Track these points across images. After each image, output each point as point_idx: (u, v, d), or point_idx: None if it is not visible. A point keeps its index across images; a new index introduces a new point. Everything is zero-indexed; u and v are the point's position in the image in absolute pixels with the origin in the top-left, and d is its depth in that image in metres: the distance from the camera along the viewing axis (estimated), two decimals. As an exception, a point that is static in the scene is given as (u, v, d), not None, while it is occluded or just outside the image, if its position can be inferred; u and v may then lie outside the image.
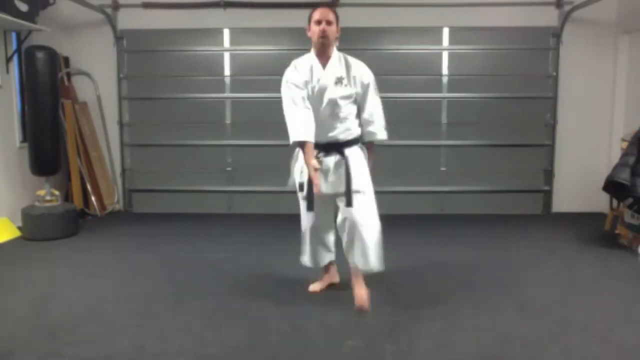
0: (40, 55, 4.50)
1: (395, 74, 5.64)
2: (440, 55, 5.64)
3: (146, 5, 5.64)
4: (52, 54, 4.60)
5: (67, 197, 5.47)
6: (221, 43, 5.71)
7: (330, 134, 2.98)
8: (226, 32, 5.70)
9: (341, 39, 5.73)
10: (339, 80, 2.97)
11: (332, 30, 2.98)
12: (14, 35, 4.95)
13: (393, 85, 5.65)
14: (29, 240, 4.54)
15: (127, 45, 5.77)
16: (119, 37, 5.71)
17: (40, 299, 3.13)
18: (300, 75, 2.98)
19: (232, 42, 5.71)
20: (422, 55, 5.66)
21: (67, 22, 5.66)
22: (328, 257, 3.27)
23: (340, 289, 3.28)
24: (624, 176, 4.05)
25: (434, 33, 5.63)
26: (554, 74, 5.61)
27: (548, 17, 5.55)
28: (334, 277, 3.37)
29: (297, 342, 2.55)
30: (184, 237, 4.72)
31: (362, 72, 3.02)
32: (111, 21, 5.64)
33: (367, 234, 2.89)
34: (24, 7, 4.59)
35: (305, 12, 5.44)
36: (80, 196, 5.51)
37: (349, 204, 2.91)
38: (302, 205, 3.11)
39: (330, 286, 3.32)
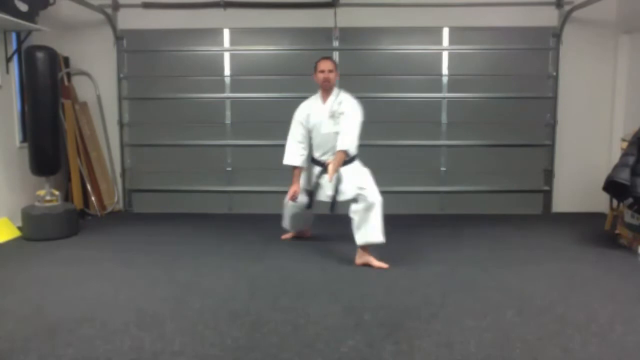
0: (40, 55, 4.50)
1: (395, 74, 5.66)
2: (440, 55, 5.65)
3: (146, 5, 5.65)
4: (52, 54, 4.59)
5: (67, 197, 5.47)
6: (221, 43, 5.72)
7: (326, 156, 3.83)
8: (226, 32, 5.70)
9: (342, 38, 5.86)
10: (332, 114, 3.78)
11: (332, 77, 3.84)
12: (14, 35, 4.95)
13: (393, 85, 5.68)
14: (29, 240, 4.54)
15: (127, 45, 5.78)
16: (119, 37, 5.72)
17: (40, 299, 3.13)
18: (303, 111, 3.93)
19: (232, 42, 5.71)
20: (422, 55, 5.67)
21: (67, 22, 5.67)
22: (299, 227, 4.42)
23: (341, 290, 3.30)
24: (624, 176, 4.04)
25: (434, 33, 5.63)
26: (554, 74, 5.62)
27: (548, 17, 5.56)
28: (306, 233, 4.54)
29: (297, 342, 2.55)
30: (184, 237, 4.72)
31: (347, 107, 3.76)
32: (111, 21, 5.65)
33: (372, 215, 3.64)
34: (24, 7, 4.58)
35: (305, 12, 5.56)
36: (80, 196, 5.52)
37: (331, 210, 3.78)
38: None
39: (299, 238, 4.50)
